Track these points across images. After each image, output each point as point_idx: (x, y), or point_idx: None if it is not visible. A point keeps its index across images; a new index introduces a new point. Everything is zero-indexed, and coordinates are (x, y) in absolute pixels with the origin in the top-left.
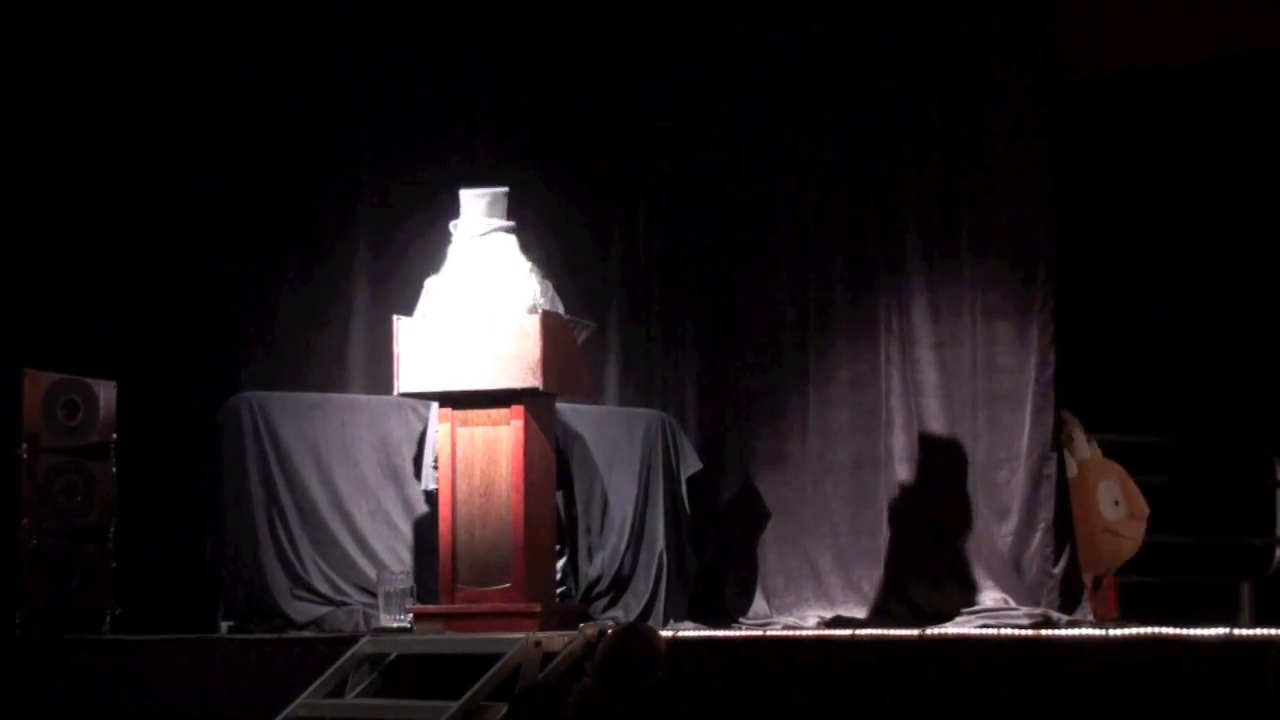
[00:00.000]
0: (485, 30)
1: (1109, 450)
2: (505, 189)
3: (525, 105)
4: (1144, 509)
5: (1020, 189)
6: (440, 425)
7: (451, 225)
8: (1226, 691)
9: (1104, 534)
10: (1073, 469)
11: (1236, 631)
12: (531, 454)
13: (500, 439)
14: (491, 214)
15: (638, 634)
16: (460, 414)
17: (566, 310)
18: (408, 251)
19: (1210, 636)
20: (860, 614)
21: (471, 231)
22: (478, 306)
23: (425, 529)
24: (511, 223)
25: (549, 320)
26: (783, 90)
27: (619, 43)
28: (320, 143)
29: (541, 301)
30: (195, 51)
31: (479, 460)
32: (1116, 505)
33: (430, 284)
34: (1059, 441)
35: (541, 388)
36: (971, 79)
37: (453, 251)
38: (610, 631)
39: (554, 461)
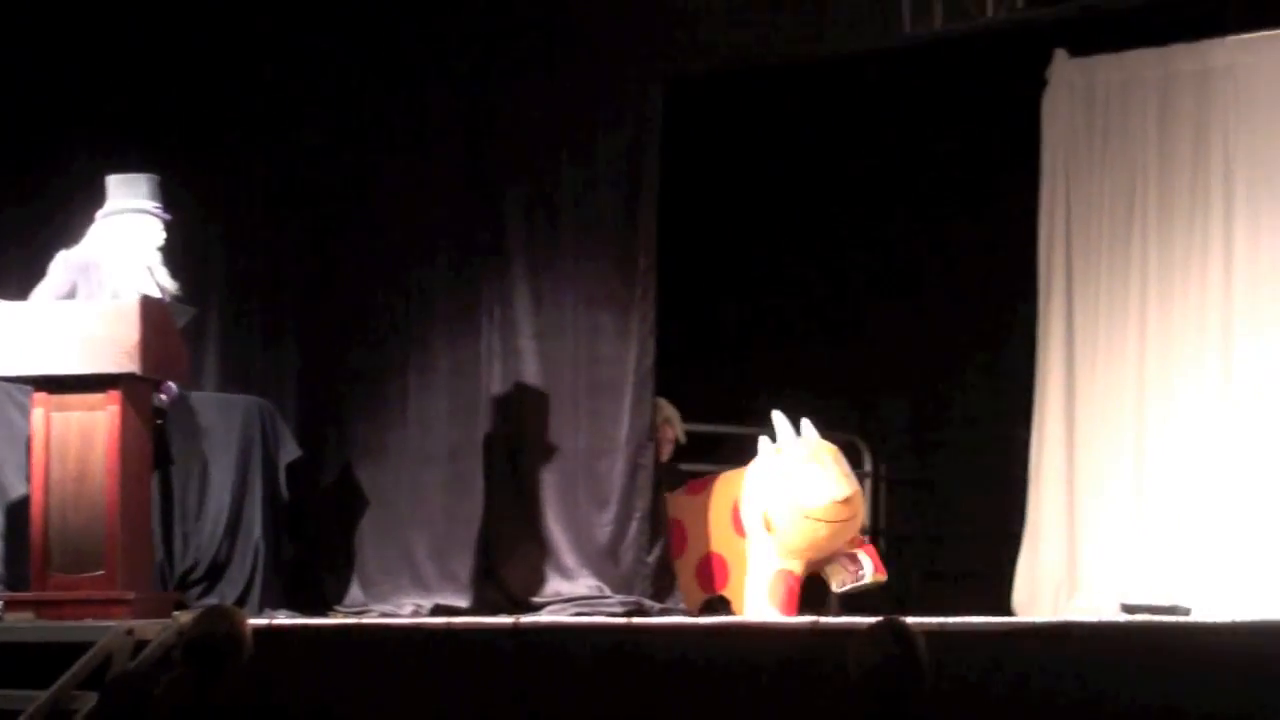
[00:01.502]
0: (83, 22)
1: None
2: (150, 175)
3: (129, 91)
4: (843, 492)
5: (621, 182)
6: (34, 409)
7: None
8: (811, 678)
9: (805, 521)
10: (769, 456)
11: (821, 620)
12: (128, 440)
13: (96, 424)
14: (129, 198)
15: (220, 616)
16: (55, 398)
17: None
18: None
19: (796, 625)
20: (457, 603)
21: (107, 214)
22: (91, 290)
23: (17, 515)
24: (149, 205)
25: (148, 304)
26: (389, 78)
27: (222, 23)
28: None
29: (169, 288)
30: None
31: (74, 445)
32: (817, 489)
33: (62, 258)
34: (654, 431)
35: (139, 372)
36: (575, 70)
37: (90, 234)
38: (194, 615)
39: (151, 447)
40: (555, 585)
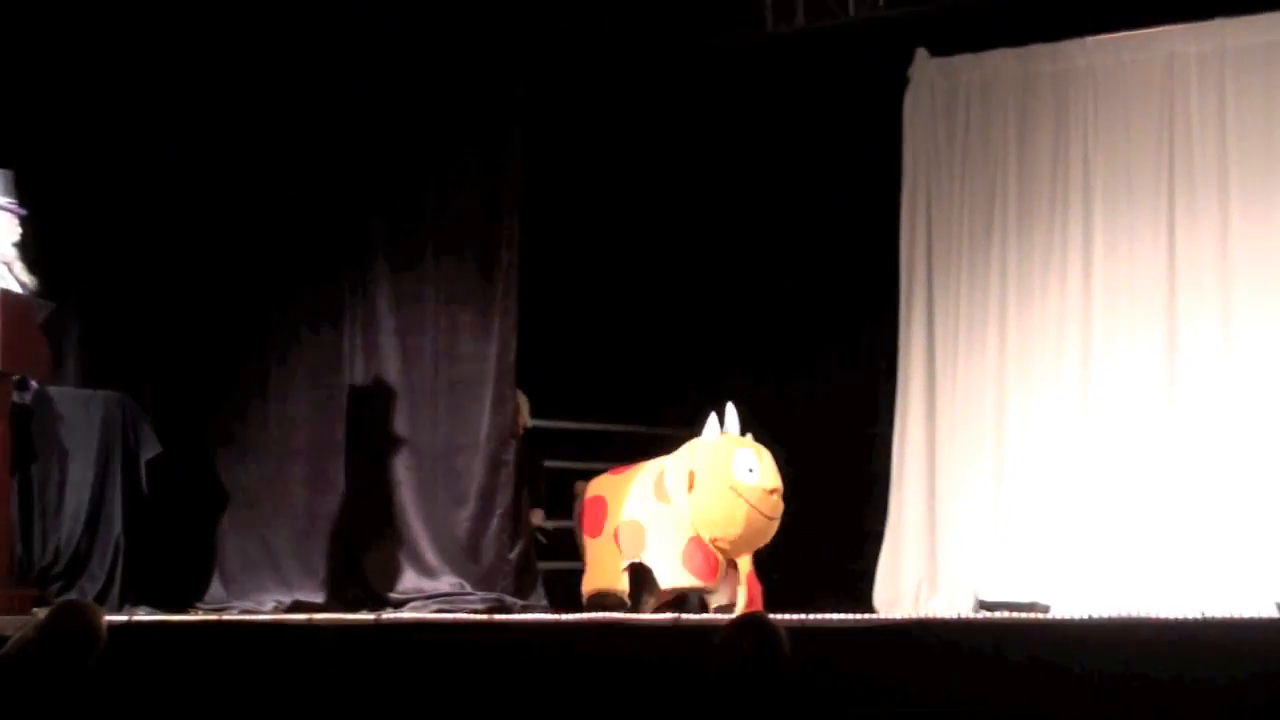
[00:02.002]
0: None
1: (558, 434)
2: (4, 171)
3: None
4: (775, 482)
5: (484, 178)
6: None
7: None
8: (675, 675)
9: (729, 491)
10: (714, 433)
11: (684, 617)
12: None
13: None
14: None
15: (75, 611)
16: None
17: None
18: None
19: (659, 622)
20: (318, 599)
21: None
22: None
23: None
24: (4, 200)
25: (7, 299)
26: (247, 77)
27: (81, 29)
28: None
29: (28, 284)
30: None
31: None
32: (750, 472)
33: None
34: (516, 427)
35: None
36: (437, 73)
37: None
38: (48, 610)
39: (10, 443)
40: (417, 582)
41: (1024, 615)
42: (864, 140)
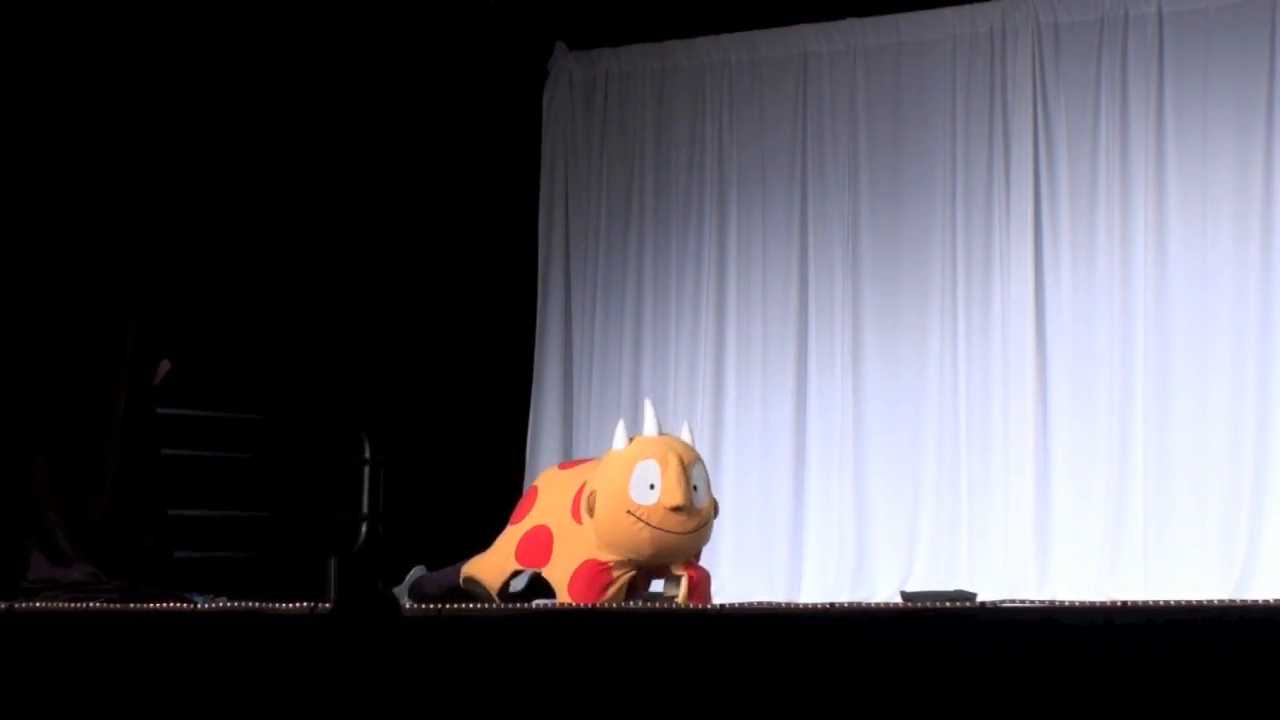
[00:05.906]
0: None
1: (197, 423)
2: None
3: None
4: (676, 500)
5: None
6: None
7: None
8: (323, 670)
9: (626, 516)
10: (621, 442)
11: (320, 605)
12: None
13: None
14: None
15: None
16: None
17: None
18: None
19: (295, 611)
20: None
21: None
22: None
23: None
24: None
25: None
26: None
27: None
28: None
29: None
30: None
31: None
32: (651, 489)
33: None
34: (154, 412)
35: None
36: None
37: None
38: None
39: None
40: (50, 571)
41: (656, 607)
42: (507, 135)
